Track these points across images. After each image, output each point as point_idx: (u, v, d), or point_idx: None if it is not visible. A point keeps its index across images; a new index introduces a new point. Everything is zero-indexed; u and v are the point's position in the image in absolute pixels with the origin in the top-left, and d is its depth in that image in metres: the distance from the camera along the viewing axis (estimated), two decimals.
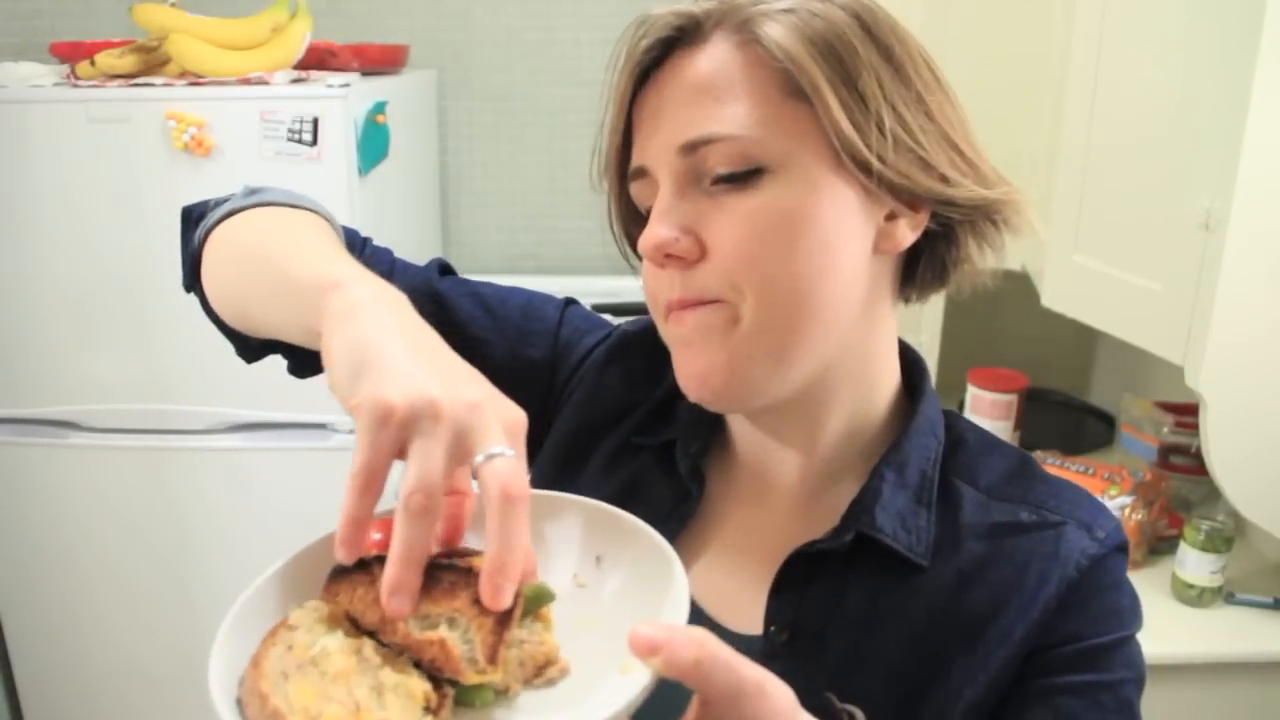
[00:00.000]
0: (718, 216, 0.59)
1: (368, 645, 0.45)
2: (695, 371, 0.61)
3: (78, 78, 1.76)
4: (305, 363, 0.73)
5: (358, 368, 0.47)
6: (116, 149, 1.73)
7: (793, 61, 0.57)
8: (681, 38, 0.61)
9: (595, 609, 0.52)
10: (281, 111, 1.71)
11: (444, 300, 0.75)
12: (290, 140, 1.72)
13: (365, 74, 1.92)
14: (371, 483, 0.44)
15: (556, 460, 0.75)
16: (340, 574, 0.47)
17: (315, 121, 1.71)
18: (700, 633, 0.41)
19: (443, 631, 0.44)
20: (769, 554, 0.66)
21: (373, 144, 1.83)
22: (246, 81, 1.75)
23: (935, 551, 0.64)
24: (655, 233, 0.59)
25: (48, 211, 1.77)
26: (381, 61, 1.98)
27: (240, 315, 0.69)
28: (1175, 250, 1.27)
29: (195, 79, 1.75)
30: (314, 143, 1.72)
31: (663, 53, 0.62)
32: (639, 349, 0.76)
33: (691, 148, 0.59)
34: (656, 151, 0.61)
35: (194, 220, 0.75)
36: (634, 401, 0.74)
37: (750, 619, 0.65)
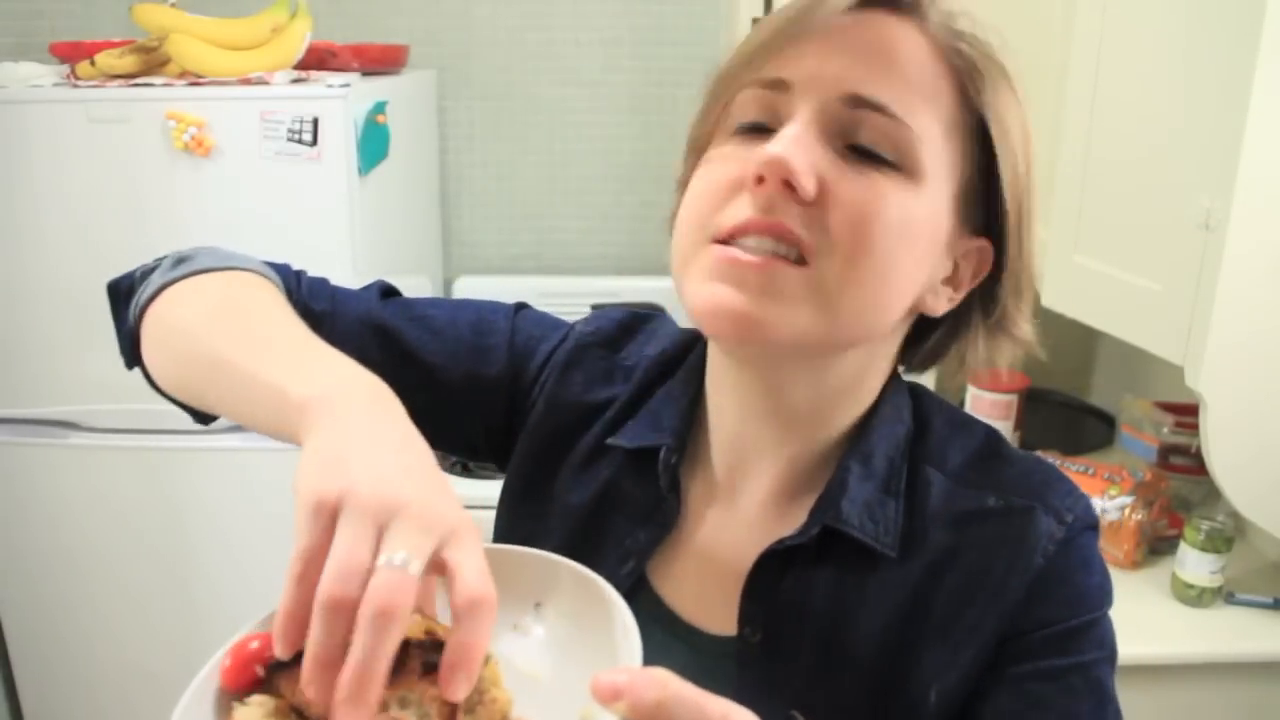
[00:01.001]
0: (855, 179, 0.56)
1: None
2: (728, 303, 0.56)
3: (78, 78, 1.75)
4: None
5: (310, 471, 0.47)
6: (116, 149, 1.73)
7: (998, 119, 0.58)
8: None
9: (542, 658, 0.50)
10: (281, 111, 1.71)
11: (389, 331, 0.73)
12: (290, 140, 1.72)
13: (365, 74, 1.91)
14: (307, 572, 0.43)
15: (529, 468, 0.74)
16: (280, 666, 0.46)
17: (315, 121, 1.71)
18: (661, 674, 0.41)
19: (394, 713, 0.43)
20: (742, 555, 0.65)
21: (373, 144, 1.83)
22: (246, 81, 1.74)
23: (904, 541, 0.63)
24: (790, 153, 0.54)
25: (48, 211, 1.77)
26: (381, 61, 1.98)
27: (195, 400, 0.67)
28: (1175, 250, 1.27)
29: (195, 79, 1.75)
30: (314, 143, 1.72)
31: None
32: (596, 349, 0.75)
33: (860, 103, 0.56)
34: (817, 79, 0.56)
35: (123, 296, 0.72)
36: (601, 402, 0.73)
37: (724, 621, 0.65)
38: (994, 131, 0.58)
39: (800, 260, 0.56)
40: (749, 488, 0.68)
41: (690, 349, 0.73)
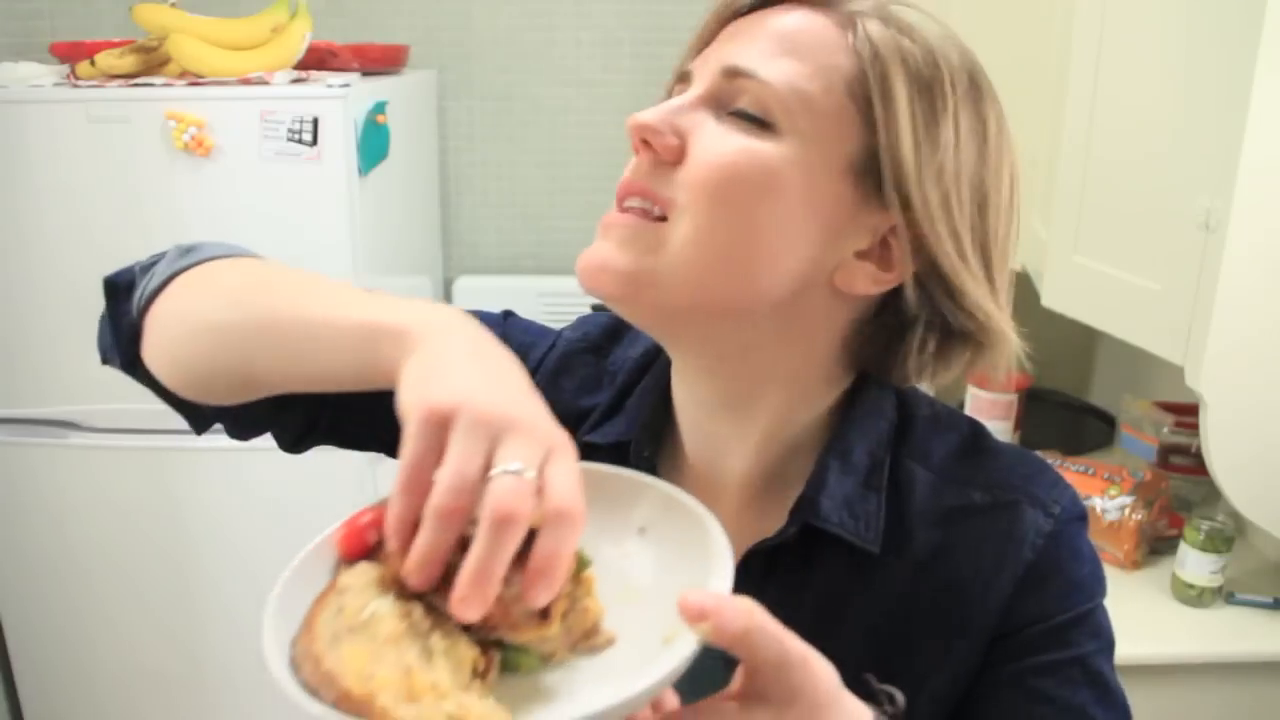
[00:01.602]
0: (712, 138, 0.59)
1: (417, 610, 0.45)
2: (589, 264, 0.61)
3: (78, 78, 1.76)
4: (246, 424, 0.71)
5: (422, 383, 0.47)
6: (116, 149, 1.73)
7: (879, 70, 0.57)
8: None
9: (639, 580, 0.52)
10: (281, 111, 1.71)
11: None
12: (290, 140, 1.72)
13: (365, 74, 1.92)
14: (417, 480, 0.44)
15: None
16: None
17: (315, 121, 1.71)
18: (748, 603, 0.42)
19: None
20: None
21: (373, 144, 1.83)
22: (246, 81, 1.75)
23: (890, 539, 0.63)
24: (647, 115, 0.59)
25: (48, 211, 1.77)
26: (381, 61, 1.98)
27: (223, 381, 0.64)
28: (1175, 250, 1.27)
29: (195, 79, 1.75)
30: (314, 143, 1.72)
31: None
32: (584, 355, 0.75)
33: (733, 73, 0.59)
34: (705, 62, 0.61)
35: (122, 291, 0.70)
36: (589, 408, 0.73)
37: None
38: (878, 111, 0.57)
39: (662, 218, 0.59)
40: (725, 481, 0.68)
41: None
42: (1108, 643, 0.64)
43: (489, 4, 2.28)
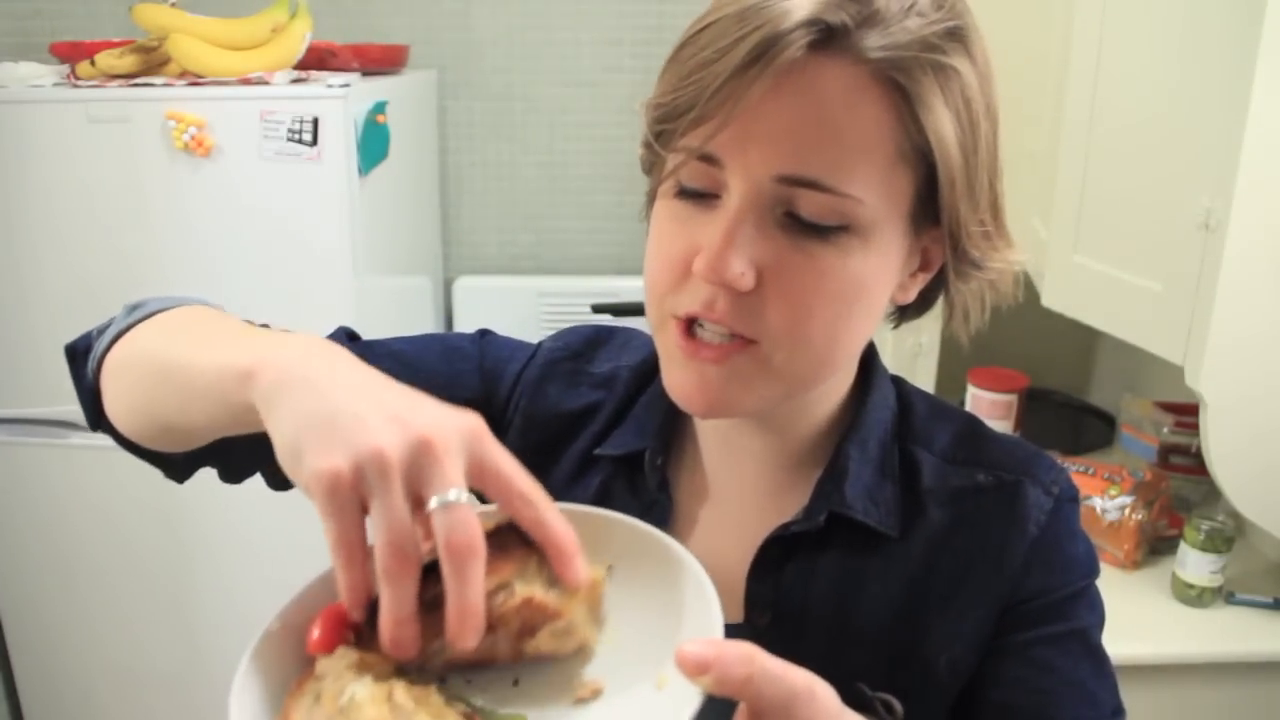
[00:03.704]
0: (789, 258, 0.56)
1: (399, 689, 0.44)
2: (697, 397, 0.60)
3: (78, 78, 1.75)
4: (236, 468, 0.70)
5: (296, 445, 0.45)
6: (116, 149, 1.73)
7: (939, 141, 0.55)
8: (825, 40, 0.53)
9: (616, 622, 0.50)
10: (281, 111, 1.71)
11: None
12: (290, 140, 1.72)
13: (365, 74, 1.91)
14: (353, 553, 0.44)
15: None
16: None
17: (315, 121, 1.71)
18: (748, 648, 0.42)
19: (519, 590, 0.45)
20: (738, 545, 0.67)
21: (373, 144, 1.83)
22: (246, 81, 1.74)
23: (903, 520, 0.66)
24: (725, 261, 0.54)
25: (48, 212, 1.77)
26: (381, 61, 1.98)
27: (162, 432, 0.64)
28: (1175, 250, 1.27)
29: (195, 79, 1.75)
30: (314, 143, 1.72)
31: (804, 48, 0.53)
32: (566, 363, 0.76)
33: (792, 182, 0.54)
34: (746, 160, 0.54)
35: (80, 355, 0.71)
36: (579, 409, 0.74)
37: (728, 612, 0.65)
38: (934, 151, 0.55)
39: (762, 358, 0.58)
40: (739, 482, 0.70)
41: None
42: (1101, 618, 0.67)
43: (489, 4, 2.28)
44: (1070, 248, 1.50)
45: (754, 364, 0.58)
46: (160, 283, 1.78)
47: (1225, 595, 1.43)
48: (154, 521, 1.92)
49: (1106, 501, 1.50)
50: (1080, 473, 1.57)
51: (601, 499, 0.71)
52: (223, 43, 1.78)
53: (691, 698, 0.41)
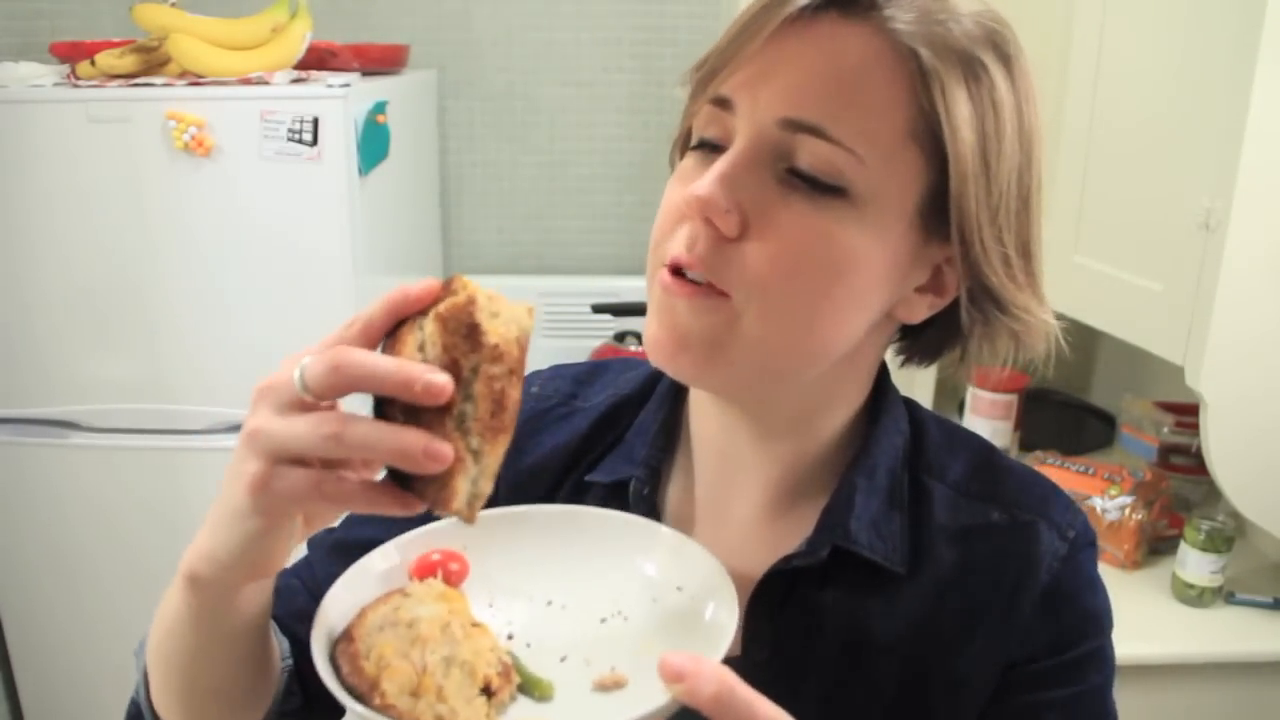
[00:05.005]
0: (779, 214, 0.54)
1: (456, 622, 0.50)
2: (665, 341, 0.58)
3: (78, 78, 1.75)
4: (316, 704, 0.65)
5: (226, 504, 0.48)
6: (116, 149, 1.73)
7: (953, 129, 0.53)
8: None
9: (659, 631, 0.55)
10: (281, 111, 1.71)
11: (344, 543, 0.71)
12: (290, 140, 1.72)
13: (365, 74, 1.91)
14: (337, 502, 0.46)
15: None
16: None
17: (315, 121, 1.71)
18: (722, 670, 0.43)
19: (428, 327, 0.47)
20: (736, 576, 0.63)
21: (373, 144, 1.83)
22: (247, 81, 1.74)
23: (910, 556, 0.63)
24: (709, 192, 0.54)
25: (48, 211, 1.77)
26: (381, 61, 1.98)
27: (213, 697, 0.63)
28: (1175, 250, 1.27)
29: (195, 79, 1.75)
30: (314, 143, 1.72)
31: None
32: (559, 409, 0.73)
33: (795, 126, 0.53)
34: (754, 101, 0.55)
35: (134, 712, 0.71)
36: (567, 443, 0.71)
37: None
38: (945, 137, 0.54)
39: (732, 318, 0.56)
40: (738, 503, 0.67)
41: (659, 378, 0.72)
42: (1112, 674, 0.65)
43: (489, 4, 2.28)
44: (1070, 248, 1.50)
45: (723, 321, 0.55)
46: (160, 282, 1.78)
47: (1225, 595, 1.43)
48: (154, 521, 1.92)
49: (1106, 501, 1.50)
50: (1080, 473, 1.57)
51: None
52: (223, 43, 1.78)
53: (665, 696, 0.44)
